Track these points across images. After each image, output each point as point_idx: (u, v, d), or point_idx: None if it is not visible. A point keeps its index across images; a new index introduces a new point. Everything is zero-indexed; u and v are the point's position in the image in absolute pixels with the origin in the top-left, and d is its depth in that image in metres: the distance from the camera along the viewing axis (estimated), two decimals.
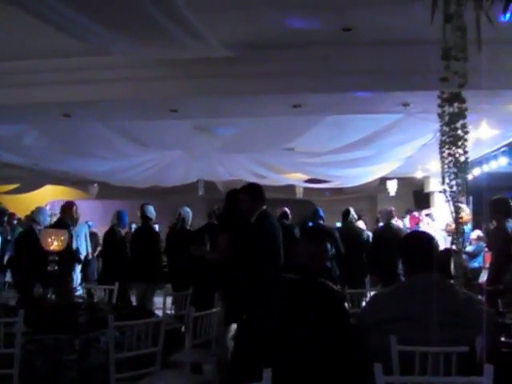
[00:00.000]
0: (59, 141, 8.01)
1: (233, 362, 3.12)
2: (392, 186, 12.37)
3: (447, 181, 1.43)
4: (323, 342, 2.93)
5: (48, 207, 14.05)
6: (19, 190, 12.69)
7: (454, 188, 1.42)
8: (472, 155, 5.96)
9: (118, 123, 7.34)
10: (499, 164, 8.75)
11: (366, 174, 10.36)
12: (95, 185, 13.30)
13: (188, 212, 7.53)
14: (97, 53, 5.17)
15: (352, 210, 8.64)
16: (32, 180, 12.08)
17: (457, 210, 1.45)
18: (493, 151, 8.81)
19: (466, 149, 1.41)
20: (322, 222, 8.12)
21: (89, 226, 10.76)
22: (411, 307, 2.84)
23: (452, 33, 1.36)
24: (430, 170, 10.63)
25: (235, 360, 3.08)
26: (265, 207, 4.92)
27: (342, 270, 7.35)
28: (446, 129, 1.41)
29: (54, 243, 4.20)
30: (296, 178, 11.70)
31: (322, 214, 8.21)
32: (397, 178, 12.21)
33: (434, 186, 11.77)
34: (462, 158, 1.42)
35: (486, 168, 9.19)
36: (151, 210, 7.42)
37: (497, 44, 3.87)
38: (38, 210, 7.26)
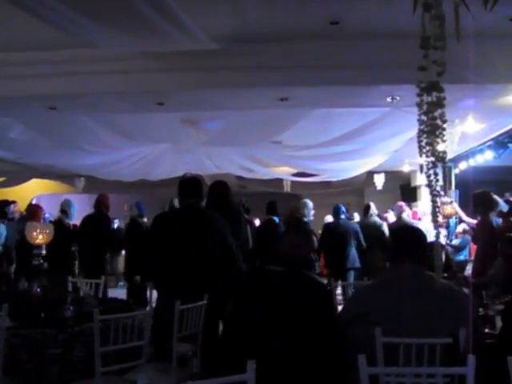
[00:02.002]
0: (45, 134, 7.93)
1: (218, 354, 3.13)
2: (379, 180, 12.43)
3: (425, 170, 1.44)
4: (307, 333, 2.94)
5: (34, 201, 13.97)
6: (5, 183, 12.58)
7: (432, 177, 1.43)
8: (458, 149, 6.03)
9: (105, 116, 7.28)
10: (485, 158, 8.81)
11: (354, 168, 10.39)
12: (82, 178, 13.21)
13: None
14: (82, 45, 5.12)
15: (372, 205, 8.80)
16: (18, 174, 11.97)
17: (435, 200, 1.47)
18: (479, 145, 8.88)
19: (444, 138, 1.42)
20: (344, 217, 8.33)
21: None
22: (393, 299, 2.86)
23: (431, 22, 1.36)
24: (417, 163, 10.67)
25: (220, 352, 3.09)
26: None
27: (363, 263, 7.89)
28: (424, 118, 1.42)
29: (40, 237, 4.17)
30: (284, 171, 11.71)
31: (343, 210, 8.35)
32: (384, 172, 12.27)
33: (421, 179, 11.83)
34: (441, 148, 1.43)
35: (472, 162, 9.26)
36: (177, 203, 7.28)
37: (483, 39, 3.90)
38: (68, 203, 7.29)
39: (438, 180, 1.42)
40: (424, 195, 11.56)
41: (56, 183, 14.25)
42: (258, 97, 6.22)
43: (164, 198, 10.11)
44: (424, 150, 1.41)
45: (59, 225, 7.17)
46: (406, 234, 3.20)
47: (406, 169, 11.93)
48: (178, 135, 8.19)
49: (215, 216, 4.33)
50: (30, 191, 13.73)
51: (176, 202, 7.36)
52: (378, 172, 12.20)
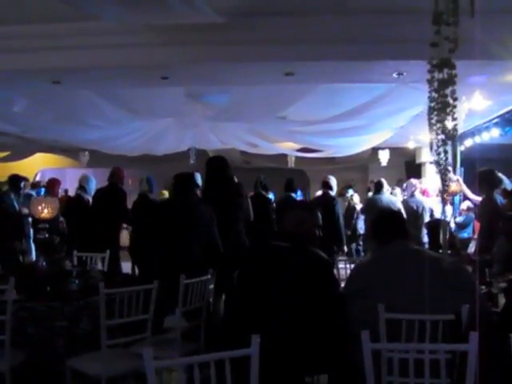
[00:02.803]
0: (49, 108, 7.91)
1: (222, 329, 3.16)
2: (384, 156, 12.37)
3: (435, 147, 1.42)
4: (311, 308, 2.97)
5: (39, 175, 14.01)
6: (9, 158, 12.60)
7: (442, 155, 1.42)
8: (464, 126, 5.98)
9: (109, 90, 7.24)
10: (491, 135, 8.74)
11: (358, 144, 10.35)
12: (86, 153, 13.20)
13: None
14: (86, 18, 5.06)
15: (385, 182, 8.67)
16: (22, 148, 11.97)
17: (444, 178, 1.45)
18: (485, 122, 8.80)
19: (455, 115, 1.40)
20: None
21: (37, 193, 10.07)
22: (392, 274, 2.89)
23: None
24: (422, 140, 10.62)
25: (224, 326, 3.12)
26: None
27: None
28: (435, 95, 1.40)
29: (45, 211, 4.18)
30: (288, 147, 11.66)
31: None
32: (389, 148, 12.21)
33: (426, 156, 11.78)
34: (451, 125, 1.41)
35: (478, 139, 9.18)
36: (199, 178, 7.23)
37: (490, 14, 3.82)
38: (86, 178, 7.26)
39: (447, 158, 1.41)
40: (429, 172, 11.52)
41: (60, 157, 14.25)
42: (263, 71, 6.16)
43: (168, 172, 10.09)
44: (434, 128, 1.39)
45: (78, 200, 7.17)
46: (393, 212, 3.31)
47: (411, 145, 11.87)
48: (182, 110, 8.15)
49: (201, 208, 4.37)
50: (34, 165, 13.75)
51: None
52: (383, 148, 12.15)
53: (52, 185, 7.94)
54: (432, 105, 1.41)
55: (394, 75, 5.96)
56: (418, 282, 2.44)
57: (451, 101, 1.40)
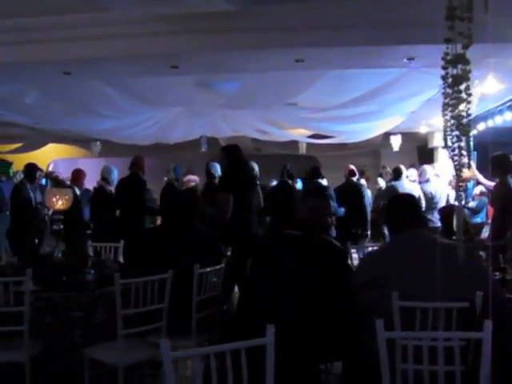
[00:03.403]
0: (60, 99, 7.95)
1: (236, 318, 3.18)
2: (396, 142, 12.29)
3: (449, 143, 1.41)
4: (324, 296, 2.98)
5: (51, 166, 14.11)
6: (23, 148, 12.69)
7: (457, 151, 1.41)
8: (477, 110, 5.91)
9: (120, 80, 7.25)
10: (504, 119, 8.64)
11: (370, 129, 10.29)
12: (98, 143, 13.26)
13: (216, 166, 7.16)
14: (96, 9, 5.07)
15: (404, 168, 8.59)
16: (35, 139, 12.06)
17: (458, 173, 1.45)
18: (498, 106, 8.71)
19: (470, 111, 1.39)
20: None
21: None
22: (405, 263, 2.89)
23: None
24: (434, 125, 10.54)
25: (239, 316, 3.14)
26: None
27: None
28: (449, 91, 1.39)
29: (59, 202, 4.22)
30: (299, 133, 11.63)
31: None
32: (401, 133, 12.12)
33: (438, 141, 11.68)
34: (465, 121, 1.40)
35: (491, 123, 9.09)
36: (216, 168, 7.17)
37: None
38: (109, 170, 7.29)
39: (462, 154, 1.40)
40: (441, 157, 11.43)
41: (72, 147, 14.33)
42: (273, 58, 6.13)
43: (180, 160, 10.14)
44: (449, 124, 1.39)
45: (101, 192, 7.20)
46: (408, 200, 3.27)
47: (422, 130, 11.77)
48: (192, 98, 8.15)
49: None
50: (46, 156, 13.84)
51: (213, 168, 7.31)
52: (395, 133, 12.06)
53: (77, 176, 7.92)
54: (446, 101, 1.40)
55: (405, 60, 5.90)
56: (431, 270, 2.44)
57: (465, 96, 1.39)
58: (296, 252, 3.14)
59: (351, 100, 8.02)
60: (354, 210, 7.89)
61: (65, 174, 10.29)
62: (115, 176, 7.32)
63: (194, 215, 4.11)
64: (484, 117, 9.19)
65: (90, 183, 12.94)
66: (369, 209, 8.30)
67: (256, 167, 7.11)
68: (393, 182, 8.51)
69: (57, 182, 7.95)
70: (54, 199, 4.21)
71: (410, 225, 3.03)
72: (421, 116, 9.70)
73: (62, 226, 4.23)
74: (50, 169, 13.97)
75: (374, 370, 2.44)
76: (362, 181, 9.85)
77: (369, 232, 8.33)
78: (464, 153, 1.41)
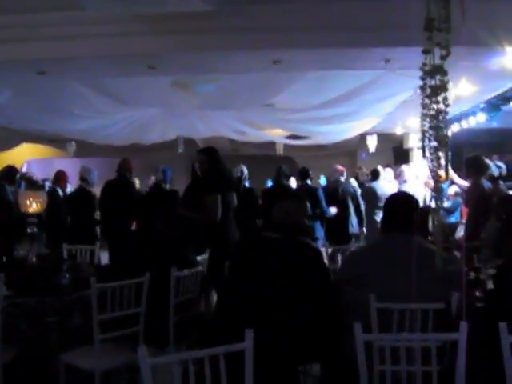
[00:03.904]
0: (34, 99, 7.82)
1: (214, 320, 3.17)
2: (372, 142, 12.42)
3: (427, 154, 1.42)
4: (301, 297, 2.98)
5: (25, 166, 13.87)
6: None
7: (435, 162, 1.42)
8: (451, 111, 5.97)
9: (95, 80, 7.17)
10: (477, 120, 8.79)
11: (347, 130, 10.37)
12: (73, 143, 13.08)
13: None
14: (71, 8, 4.99)
15: (381, 169, 8.65)
16: (8, 139, 11.83)
17: (436, 179, 1.46)
18: (471, 107, 8.85)
19: (447, 122, 1.40)
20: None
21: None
22: (384, 265, 2.91)
23: (435, 3, 1.32)
24: (410, 126, 10.67)
25: (216, 320, 3.13)
26: None
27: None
28: (427, 102, 1.40)
29: (33, 205, 4.15)
30: (276, 134, 11.65)
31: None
32: (377, 134, 12.25)
33: (414, 142, 11.84)
34: (443, 132, 1.41)
35: (465, 124, 9.24)
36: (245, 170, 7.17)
37: (477, 1, 3.83)
38: (87, 170, 7.15)
39: (440, 165, 1.42)
40: (416, 157, 11.57)
41: (47, 148, 14.11)
42: (250, 59, 6.13)
43: (156, 161, 10.07)
44: (427, 135, 1.40)
45: (82, 193, 7.07)
46: (404, 202, 3.22)
47: (398, 131, 11.91)
48: (169, 99, 8.10)
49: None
50: (20, 156, 13.58)
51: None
52: (371, 134, 12.18)
53: (59, 178, 7.79)
54: (424, 111, 1.41)
55: (382, 62, 5.95)
56: (410, 273, 2.46)
57: (443, 107, 1.40)
58: (272, 255, 3.14)
59: (328, 101, 8.06)
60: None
61: (39, 175, 10.16)
62: (95, 176, 7.20)
63: (160, 219, 4.06)
64: (458, 118, 9.33)
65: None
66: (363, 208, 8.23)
67: (245, 170, 7.13)
68: (371, 183, 8.57)
69: (31, 183, 7.78)
70: (28, 202, 4.14)
71: (397, 228, 3.02)
72: (396, 117, 9.81)
73: (35, 230, 4.15)
74: (24, 169, 13.74)
75: (351, 371, 2.45)
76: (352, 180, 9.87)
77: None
78: (442, 162, 1.42)
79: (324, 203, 7.31)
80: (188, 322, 3.78)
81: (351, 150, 14.22)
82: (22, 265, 3.89)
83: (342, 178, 8.30)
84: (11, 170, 7.48)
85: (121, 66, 6.32)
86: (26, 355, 3.38)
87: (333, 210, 7.58)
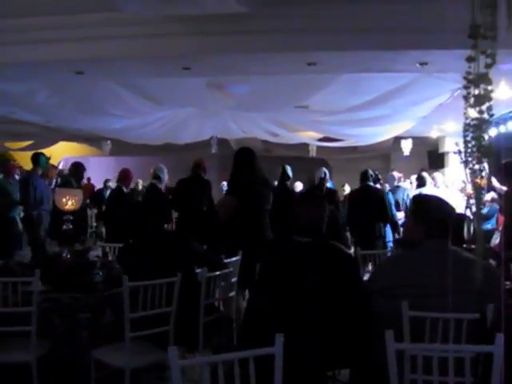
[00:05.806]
0: (72, 99, 7.97)
1: (244, 327, 3.16)
2: (406, 146, 12.23)
3: (470, 165, 1.38)
4: (334, 303, 2.95)
5: (61, 164, 14.16)
6: (33, 146, 12.74)
7: (477, 173, 1.37)
8: None
9: (132, 80, 7.27)
10: None
11: (381, 133, 10.26)
12: (108, 142, 13.30)
13: None
14: (109, 9, 5.07)
15: (427, 176, 8.45)
16: (45, 137, 12.10)
17: (478, 191, 1.42)
18: (510, 111, 8.65)
19: (491, 132, 1.35)
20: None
21: None
22: (423, 273, 2.84)
23: (481, 9, 1.28)
24: (446, 129, 10.48)
25: (246, 324, 3.12)
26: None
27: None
28: (471, 111, 1.36)
29: (69, 203, 4.23)
30: (309, 136, 11.61)
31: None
32: (411, 138, 12.07)
33: (449, 146, 11.62)
34: (487, 142, 1.37)
35: (503, 129, 9.03)
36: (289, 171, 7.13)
37: None
38: (161, 168, 7.33)
39: (482, 177, 1.37)
40: (452, 162, 11.37)
41: (83, 146, 14.38)
42: (285, 61, 6.12)
43: (190, 161, 10.12)
44: (469, 145, 1.35)
45: (154, 190, 7.17)
46: (443, 208, 3.11)
47: (433, 135, 11.71)
48: (204, 99, 8.15)
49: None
50: (57, 154, 13.88)
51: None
52: (406, 137, 12.00)
53: (124, 176, 7.54)
54: (467, 121, 1.37)
55: (418, 65, 5.87)
56: (446, 283, 2.39)
57: (487, 117, 1.36)
58: (305, 259, 3.11)
59: (362, 104, 7.99)
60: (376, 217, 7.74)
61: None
62: (166, 175, 7.36)
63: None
64: (496, 122, 9.12)
65: (99, 181, 12.98)
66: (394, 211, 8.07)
67: (290, 171, 7.08)
68: (419, 190, 8.40)
69: (65, 181, 7.89)
70: (64, 199, 4.21)
71: (434, 235, 2.93)
72: (432, 121, 9.66)
73: (71, 226, 4.22)
74: (61, 167, 14.02)
75: (381, 377, 2.41)
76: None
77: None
78: (484, 173, 1.38)
79: (393, 207, 7.17)
80: (215, 324, 3.79)
81: (385, 152, 14.04)
82: (57, 261, 3.96)
83: (401, 184, 8.18)
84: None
85: (156, 67, 6.39)
86: (58, 350, 3.44)
87: (400, 215, 7.50)
